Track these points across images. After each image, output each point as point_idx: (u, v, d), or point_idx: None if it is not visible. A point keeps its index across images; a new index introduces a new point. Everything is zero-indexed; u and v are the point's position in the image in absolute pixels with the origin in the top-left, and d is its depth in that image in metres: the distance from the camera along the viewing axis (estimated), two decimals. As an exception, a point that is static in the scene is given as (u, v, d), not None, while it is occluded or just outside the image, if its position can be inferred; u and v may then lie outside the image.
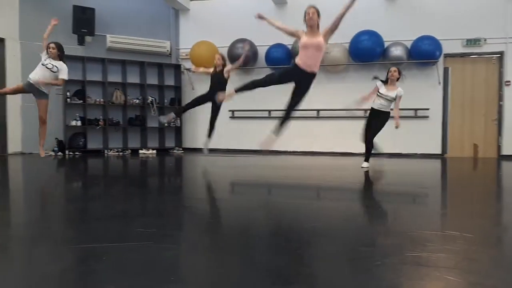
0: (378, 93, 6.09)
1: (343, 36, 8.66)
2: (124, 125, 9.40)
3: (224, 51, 9.26)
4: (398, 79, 6.04)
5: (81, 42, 9.01)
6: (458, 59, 8.57)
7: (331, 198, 3.86)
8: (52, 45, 6.05)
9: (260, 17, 4.60)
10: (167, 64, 9.75)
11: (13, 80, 8.40)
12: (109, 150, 9.11)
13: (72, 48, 8.93)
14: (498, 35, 8.21)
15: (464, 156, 8.52)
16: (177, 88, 9.87)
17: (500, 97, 8.41)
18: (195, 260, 1.97)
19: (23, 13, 8.61)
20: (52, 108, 8.71)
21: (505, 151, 8.30)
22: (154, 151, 9.18)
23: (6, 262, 1.96)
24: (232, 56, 9.19)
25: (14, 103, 8.45)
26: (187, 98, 9.70)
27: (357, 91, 8.81)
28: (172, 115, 7.03)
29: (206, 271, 1.81)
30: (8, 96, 8.27)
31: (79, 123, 8.90)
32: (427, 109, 8.51)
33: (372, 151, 6.22)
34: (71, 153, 8.71)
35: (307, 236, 2.41)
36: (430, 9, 8.51)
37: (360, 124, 8.90)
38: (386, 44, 8.42)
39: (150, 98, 9.46)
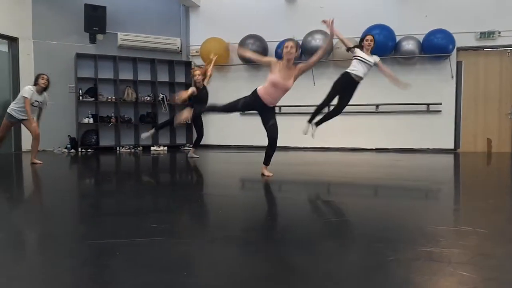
0: (358, 57, 5.63)
1: (354, 31, 8.59)
2: (135, 122, 9.48)
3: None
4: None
5: (92, 40, 9.08)
6: (472, 52, 8.44)
7: (343, 194, 3.85)
8: (46, 76, 6.17)
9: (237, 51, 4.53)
10: (177, 61, 9.79)
11: (26, 78, 8.53)
12: (121, 147, 9.19)
13: (84, 46, 9.03)
14: (513, 28, 8.07)
15: (478, 151, 8.41)
16: (188, 85, 9.89)
17: (515, 91, 8.27)
18: (208, 255, 1.98)
19: (35, 12, 8.71)
20: (65, 105, 8.86)
21: (520, 145, 8.18)
22: (165, 148, 9.24)
23: (23, 257, 2.00)
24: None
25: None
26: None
27: (368, 85, 8.79)
28: (153, 131, 7.11)
29: (219, 266, 1.82)
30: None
31: (91, 120, 8.99)
32: (440, 103, 8.40)
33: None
34: (83, 150, 8.81)
35: (319, 232, 2.40)
36: (443, 2, 8.39)
37: (371, 120, 8.90)
38: (397, 38, 8.33)
39: (161, 95, 9.51)
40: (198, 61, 9.71)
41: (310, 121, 5.85)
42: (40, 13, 8.73)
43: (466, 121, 8.53)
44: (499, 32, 8.13)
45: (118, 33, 9.22)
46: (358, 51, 5.67)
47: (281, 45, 8.94)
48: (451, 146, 8.47)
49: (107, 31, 9.07)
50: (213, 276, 1.70)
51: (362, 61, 5.63)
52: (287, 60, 4.38)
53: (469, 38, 8.27)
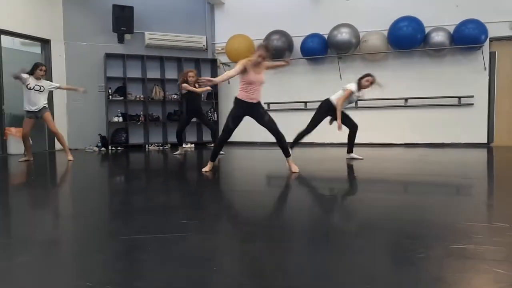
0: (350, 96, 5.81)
1: (381, 24, 8.45)
2: (163, 120, 9.63)
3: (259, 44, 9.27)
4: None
5: (121, 40, 9.28)
6: (505, 42, 8.12)
7: (372, 190, 3.80)
8: (43, 67, 6.38)
9: (209, 81, 4.55)
10: (203, 59, 9.87)
11: (58, 79, 8.81)
12: (149, 145, 9.38)
13: (112, 46, 9.24)
14: (550, 15, 7.72)
15: (513, 145, 8.11)
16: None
17: (553, 82, 7.92)
18: (236, 251, 2.00)
19: (66, 14, 8.98)
20: (95, 105, 9.11)
21: (559, 138, 7.83)
22: (193, 145, 9.35)
23: (58, 252, 2.07)
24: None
25: (60, 100, 8.85)
26: (223, 93, 9.81)
27: (396, 79, 8.63)
28: (183, 149, 7.65)
29: (247, 262, 1.84)
30: (54, 94, 8.69)
31: (120, 119, 9.21)
32: (472, 96, 8.14)
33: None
34: (113, 148, 9.04)
35: (349, 228, 2.38)
36: (474, -9, 8.11)
37: (400, 114, 8.72)
38: (427, 30, 8.12)
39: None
40: (223, 59, 9.77)
41: (292, 146, 5.80)
42: (70, 16, 8.99)
43: (500, 114, 8.23)
44: (535, 21, 7.81)
45: (146, 32, 9.39)
46: (353, 88, 5.77)
47: (306, 40, 8.90)
48: (484, 140, 8.20)
49: (134, 31, 9.25)
50: (241, 272, 1.71)
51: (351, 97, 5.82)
52: (259, 62, 4.51)
53: (503, 27, 7.97)
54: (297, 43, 9.08)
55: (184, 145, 7.84)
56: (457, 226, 2.29)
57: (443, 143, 8.35)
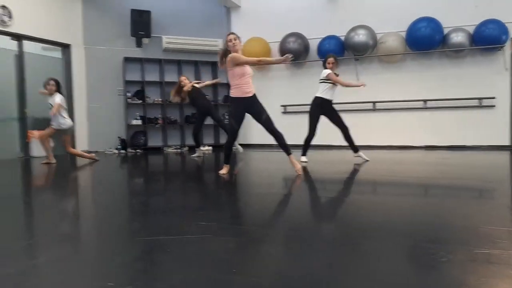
0: (325, 81, 5.77)
1: (399, 25, 8.36)
2: (181, 123, 9.72)
3: (275, 47, 9.29)
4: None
5: (139, 44, 9.41)
6: (528, 42, 7.94)
7: (391, 193, 3.75)
8: (52, 82, 6.39)
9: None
10: (220, 62, 9.91)
11: (79, 83, 8.99)
12: (168, 147, 9.47)
13: (131, 50, 9.37)
14: None
15: (536, 147, 7.90)
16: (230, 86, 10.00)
17: None
18: (254, 253, 2.00)
19: (86, 19, 9.15)
20: (115, 108, 9.26)
21: None
22: (210, 148, 9.40)
23: (80, 252, 2.11)
24: (284, 52, 9.15)
25: (80, 104, 9.03)
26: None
27: (415, 81, 8.52)
28: (201, 151, 7.68)
29: (266, 264, 1.84)
30: (74, 97, 8.88)
31: (139, 122, 9.33)
32: (493, 97, 7.97)
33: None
34: (132, 150, 9.15)
35: (369, 231, 2.36)
36: (495, -10, 7.96)
37: (419, 116, 8.59)
38: (446, 31, 8.00)
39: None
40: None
41: (304, 153, 5.96)
42: (89, 20, 9.17)
43: (523, 115, 8.03)
44: (559, 20, 7.61)
45: (163, 36, 9.50)
46: (329, 71, 5.78)
47: (323, 42, 8.86)
48: (507, 142, 8.01)
49: (152, 35, 9.37)
50: (260, 274, 1.71)
51: (329, 83, 5.80)
52: (236, 51, 4.55)
53: (525, 27, 7.79)
54: (313, 46, 9.05)
55: (201, 147, 7.89)
56: (479, 230, 2.24)
57: (464, 145, 8.19)
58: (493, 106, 8.01)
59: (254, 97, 4.68)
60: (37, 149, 7.77)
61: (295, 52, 8.92)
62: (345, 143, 6.11)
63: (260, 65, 5.04)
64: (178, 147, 9.56)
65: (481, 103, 8.05)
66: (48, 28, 8.29)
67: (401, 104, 8.55)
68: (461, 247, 1.96)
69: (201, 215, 2.84)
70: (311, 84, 9.27)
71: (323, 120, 5.97)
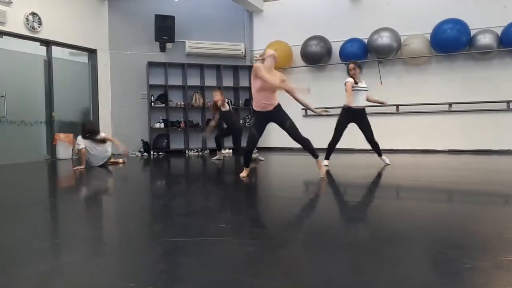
0: (356, 88, 5.67)
1: (425, 26, 8.22)
2: (203, 126, 9.80)
3: (297, 50, 9.28)
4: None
5: (162, 49, 9.58)
6: (559, 43, 7.67)
7: (415, 198, 3.68)
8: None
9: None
10: (241, 66, 9.97)
11: (104, 87, 9.20)
12: (189, 150, 9.57)
13: (154, 55, 9.54)
14: None
15: None
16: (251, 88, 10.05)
17: None
18: (273, 256, 2.00)
19: (111, 25, 9.37)
20: (138, 111, 9.43)
21: None
22: (230, 151, 9.45)
23: (102, 254, 2.16)
24: (306, 55, 9.15)
25: (105, 108, 9.23)
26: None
27: (440, 84, 8.34)
28: (221, 154, 7.87)
29: (285, 267, 1.84)
30: (100, 101, 9.10)
31: (162, 125, 9.47)
32: (522, 100, 7.74)
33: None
34: (155, 153, 9.30)
35: (392, 236, 2.33)
36: (524, -9, 7.74)
37: (444, 119, 8.41)
38: (472, 33, 7.81)
39: (226, 100, 9.75)
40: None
41: (327, 157, 5.91)
42: (115, 26, 9.38)
43: (553, 119, 7.76)
44: None
45: (186, 41, 9.62)
46: (351, 82, 5.68)
47: (346, 45, 8.79)
48: (536, 146, 7.76)
49: (175, 40, 9.50)
50: (279, 277, 1.71)
51: (359, 90, 5.73)
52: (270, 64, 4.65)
53: (557, 28, 7.53)
54: (336, 48, 9.00)
55: (222, 151, 7.97)
56: (504, 237, 2.18)
57: (490, 149, 7.97)
58: (522, 109, 7.77)
59: (275, 109, 4.62)
60: (63, 151, 8.00)
61: (318, 55, 8.92)
62: (368, 147, 6.05)
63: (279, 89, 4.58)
64: (199, 150, 9.65)
65: (509, 106, 7.82)
66: (75, 34, 8.53)
67: (425, 108, 8.40)
68: (485, 254, 1.91)
69: (221, 218, 2.86)
70: (332, 87, 9.25)
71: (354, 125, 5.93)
